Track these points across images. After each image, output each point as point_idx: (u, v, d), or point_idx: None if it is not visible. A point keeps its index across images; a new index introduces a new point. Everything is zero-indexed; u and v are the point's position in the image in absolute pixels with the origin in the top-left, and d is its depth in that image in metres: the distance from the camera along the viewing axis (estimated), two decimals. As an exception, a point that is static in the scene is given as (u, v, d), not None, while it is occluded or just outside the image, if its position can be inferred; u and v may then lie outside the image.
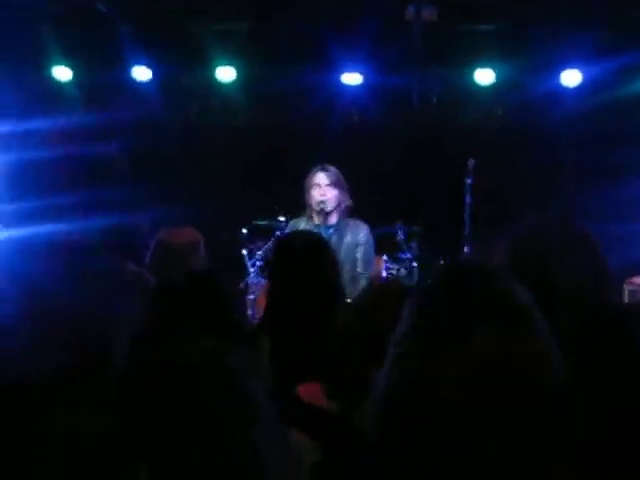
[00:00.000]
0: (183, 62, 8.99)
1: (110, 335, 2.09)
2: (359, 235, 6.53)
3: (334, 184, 6.59)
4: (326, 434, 2.11)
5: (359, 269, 6.41)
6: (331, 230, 6.45)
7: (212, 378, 1.09)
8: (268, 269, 3.86)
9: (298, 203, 6.96)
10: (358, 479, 1.69)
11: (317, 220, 6.55)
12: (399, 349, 1.69)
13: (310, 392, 2.65)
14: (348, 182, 6.73)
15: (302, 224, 6.67)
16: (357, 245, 6.47)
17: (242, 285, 7.31)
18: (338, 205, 6.61)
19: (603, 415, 1.59)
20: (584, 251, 2.33)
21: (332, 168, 6.71)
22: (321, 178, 6.62)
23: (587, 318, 1.83)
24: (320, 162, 6.86)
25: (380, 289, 2.87)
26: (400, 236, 7.79)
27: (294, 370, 2.71)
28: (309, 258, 3.62)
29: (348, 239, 6.47)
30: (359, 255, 6.47)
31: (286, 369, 2.76)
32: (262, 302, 5.70)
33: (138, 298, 2.15)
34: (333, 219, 6.62)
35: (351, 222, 6.63)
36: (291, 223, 6.88)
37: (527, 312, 1.67)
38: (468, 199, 7.57)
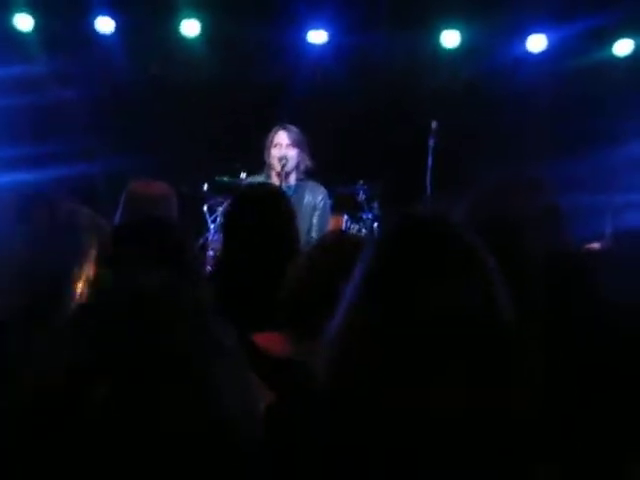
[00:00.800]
0: (147, 14, 8.88)
1: (60, 276, 2.07)
2: (317, 198, 6.49)
3: (295, 143, 6.55)
4: (281, 380, 2.11)
5: (313, 234, 6.37)
6: (290, 190, 6.40)
7: (171, 306, 1.07)
8: (225, 218, 3.83)
9: (260, 161, 6.93)
10: (309, 423, 1.69)
11: (275, 179, 6.49)
12: (353, 297, 1.69)
13: (267, 340, 2.65)
14: (311, 141, 6.69)
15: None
16: (314, 209, 6.43)
17: (202, 241, 7.28)
18: (298, 165, 6.57)
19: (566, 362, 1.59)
20: (544, 218, 2.32)
21: (293, 128, 6.66)
22: (282, 137, 6.57)
23: (548, 269, 1.83)
24: (283, 120, 6.82)
25: (334, 238, 2.87)
26: (362, 196, 7.79)
27: (249, 320, 2.70)
28: (267, 206, 3.61)
29: (306, 200, 6.44)
30: (315, 220, 6.43)
31: (241, 319, 2.75)
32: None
33: (90, 240, 2.13)
34: (292, 179, 6.58)
35: (310, 183, 6.59)
36: (248, 180, 6.85)
37: (480, 261, 1.67)
38: (430, 161, 7.59)
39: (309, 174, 6.66)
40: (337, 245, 2.70)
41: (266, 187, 4.68)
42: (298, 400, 1.78)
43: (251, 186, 4.99)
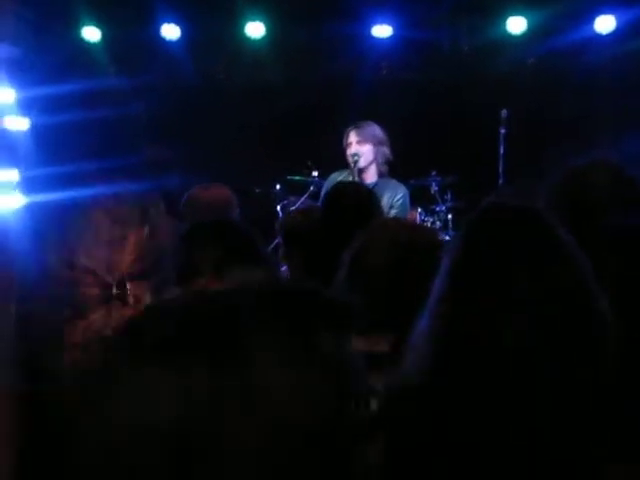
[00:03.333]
0: (212, 19, 8.95)
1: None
2: (396, 197, 6.45)
3: (366, 140, 6.54)
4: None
5: None
6: (370, 187, 6.38)
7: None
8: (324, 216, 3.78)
9: (330, 158, 6.93)
10: (408, 423, 1.68)
11: (355, 177, 6.48)
12: (442, 295, 1.68)
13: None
14: (382, 133, 6.66)
15: (342, 178, 6.60)
16: (391, 207, 6.40)
17: (276, 241, 7.31)
18: (374, 160, 6.55)
19: None
20: (630, 202, 2.28)
21: (366, 124, 6.65)
22: (352, 136, 6.59)
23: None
24: (352, 117, 6.83)
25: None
26: (434, 188, 7.75)
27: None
28: (360, 211, 3.59)
29: (385, 200, 6.40)
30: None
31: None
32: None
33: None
34: (371, 176, 6.56)
35: (392, 183, 6.55)
36: (333, 175, 6.80)
37: (572, 253, 1.65)
38: (502, 149, 7.52)
39: (391, 169, 6.62)
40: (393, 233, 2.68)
41: (358, 186, 4.68)
42: (395, 396, 1.77)
43: (344, 185, 4.99)
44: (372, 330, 2.58)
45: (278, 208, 7.77)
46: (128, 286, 1.94)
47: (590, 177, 2.37)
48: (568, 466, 1.51)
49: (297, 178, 7.81)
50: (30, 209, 2.12)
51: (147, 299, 1.95)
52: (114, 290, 1.93)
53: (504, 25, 8.85)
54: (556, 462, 1.52)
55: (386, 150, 6.58)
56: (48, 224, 2.04)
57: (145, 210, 2.00)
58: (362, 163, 6.48)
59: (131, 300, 1.93)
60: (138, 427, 0.91)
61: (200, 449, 0.91)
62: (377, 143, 6.55)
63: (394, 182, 6.56)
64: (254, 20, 8.97)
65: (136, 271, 1.93)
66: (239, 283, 1.08)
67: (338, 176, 6.65)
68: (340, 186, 4.75)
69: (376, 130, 6.59)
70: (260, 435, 0.91)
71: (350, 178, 6.50)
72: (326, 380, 0.99)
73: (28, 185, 8.41)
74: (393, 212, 6.37)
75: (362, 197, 3.82)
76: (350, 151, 6.51)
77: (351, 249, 2.65)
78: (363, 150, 6.50)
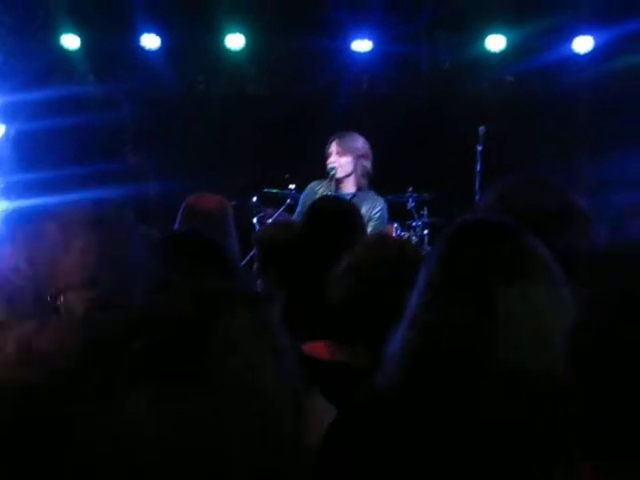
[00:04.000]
0: (192, 29, 8.95)
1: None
2: (374, 210, 6.42)
3: (345, 151, 6.52)
4: (339, 389, 2.11)
5: None
6: (348, 198, 6.36)
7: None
8: (300, 229, 3.76)
9: (308, 172, 6.92)
10: (378, 431, 1.68)
11: (332, 187, 6.48)
12: (420, 302, 1.68)
13: (317, 349, 2.65)
14: (365, 145, 6.65)
15: (322, 189, 6.58)
16: (369, 219, 6.38)
17: (252, 253, 7.29)
18: (352, 172, 6.54)
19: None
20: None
21: (349, 135, 6.62)
22: (333, 145, 6.57)
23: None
24: (331, 130, 6.82)
25: (377, 242, 2.85)
26: (411, 203, 7.77)
27: (304, 329, 2.71)
28: (342, 225, 3.59)
29: (362, 211, 6.37)
30: (368, 230, 6.37)
31: (298, 329, 2.76)
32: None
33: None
34: (349, 187, 6.54)
35: (370, 195, 6.53)
36: (311, 185, 6.78)
37: (548, 266, 1.66)
38: (479, 166, 7.55)
39: (370, 181, 6.62)
40: (381, 249, 2.69)
41: (340, 200, 4.68)
42: (365, 407, 1.77)
43: (327, 199, 4.99)
44: (357, 341, 2.59)
45: (254, 220, 7.76)
46: (62, 296, 1.89)
47: (516, 196, 2.36)
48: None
49: (274, 190, 7.80)
50: (7, 215, 2.08)
51: (80, 310, 1.89)
52: (49, 299, 1.88)
53: (483, 43, 8.90)
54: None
55: (366, 163, 6.56)
56: (6, 230, 2.01)
57: (100, 217, 1.96)
58: (339, 174, 6.48)
59: (62, 311, 1.87)
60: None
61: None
62: (358, 156, 6.53)
63: (372, 194, 6.55)
64: (234, 32, 8.97)
65: (77, 280, 1.88)
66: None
67: (317, 185, 6.64)
68: (322, 199, 4.76)
69: (359, 142, 6.57)
70: None
71: (324, 188, 6.50)
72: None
73: (6, 191, 8.39)
74: (371, 224, 6.36)
75: (344, 211, 3.81)
76: (329, 161, 6.51)
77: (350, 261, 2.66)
78: (342, 161, 6.49)
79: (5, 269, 1.87)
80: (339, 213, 3.74)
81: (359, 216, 3.92)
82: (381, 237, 3.33)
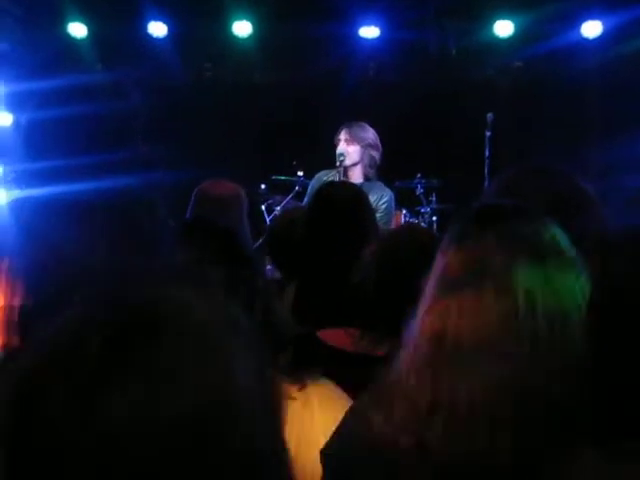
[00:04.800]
0: (199, 17, 8.93)
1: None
2: (381, 200, 6.39)
3: (354, 140, 6.50)
4: (355, 375, 2.11)
5: None
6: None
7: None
8: (305, 218, 3.74)
9: (316, 158, 6.91)
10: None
11: (341, 176, 6.46)
12: (434, 296, 1.67)
13: (334, 337, 2.65)
14: (374, 136, 6.64)
15: (330, 178, 6.56)
16: (376, 210, 6.33)
17: (261, 241, 7.30)
18: (359, 161, 6.52)
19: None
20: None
21: (359, 125, 6.59)
22: (342, 134, 6.55)
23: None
24: (339, 118, 6.81)
25: (404, 233, 2.86)
26: (419, 190, 7.77)
27: (320, 317, 2.71)
28: (351, 210, 3.57)
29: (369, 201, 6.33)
30: None
31: (314, 316, 2.76)
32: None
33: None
34: (356, 177, 6.52)
35: (377, 185, 6.50)
36: (319, 174, 6.76)
37: (568, 249, 1.66)
38: (487, 152, 7.54)
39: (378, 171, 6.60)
40: (407, 239, 2.69)
41: (347, 185, 4.66)
42: (378, 398, 1.76)
43: (333, 185, 4.96)
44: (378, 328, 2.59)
45: (263, 208, 7.77)
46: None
47: (522, 184, 2.34)
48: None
49: (282, 178, 7.80)
50: (15, 204, 2.06)
51: None
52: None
53: (491, 28, 8.88)
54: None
55: (374, 154, 6.53)
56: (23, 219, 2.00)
57: (126, 207, 1.95)
58: (347, 162, 6.46)
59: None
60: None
61: None
62: (365, 145, 6.50)
63: (379, 185, 6.52)
64: (241, 19, 8.97)
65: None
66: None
67: (324, 175, 6.62)
68: (328, 185, 4.74)
69: (368, 133, 6.55)
70: None
71: (337, 177, 6.48)
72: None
73: (15, 180, 8.40)
74: (378, 215, 6.33)
75: (351, 196, 3.79)
76: (338, 149, 6.50)
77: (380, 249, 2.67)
78: (349, 150, 6.47)
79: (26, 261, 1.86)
80: (346, 199, 3.72)
81: (366, 199, 3.89)
82: (408, 226, 3.32)
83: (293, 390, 2.08)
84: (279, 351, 2.05)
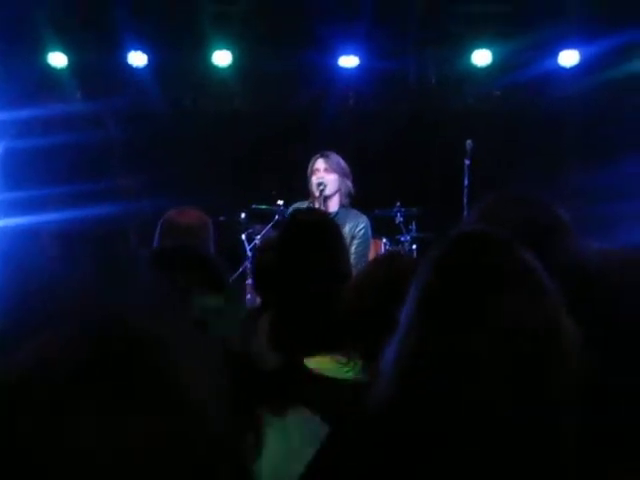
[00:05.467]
0: (179, 47, 8.96)
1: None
2: (357, 227, 6.42)
3: (332, 169, 6.54)
4: (337, 405, 2.10)
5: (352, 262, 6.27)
6: (331, 217, 6.33)
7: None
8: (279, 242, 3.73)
9: (296, 187, 6.93)
10: (368, 452, 1.68)
11: (318, 206, 6.47)
12: (410, 322, 1.68)
13: (318, 364, 2.64)
14: (346, 165, 6.69)
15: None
16: (353, 237, 6.37)
17: (241, 269, 7.29)
18: (338, 190, 6.55)
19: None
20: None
21: (332, 154, 6.65)
22: (319, 163, 6.58)
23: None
24: (319, 147, 6.83)
25: (386, 262, 2.86)
26: (399, 218, 7.78)
27: (302, 345, 2.70)
28: (319, 235, 3.56)
29: (346, 229, 6.35)
30: (352, 249, 6.32)
31: (294, 344, 2.76)
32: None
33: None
34: (333, 206, 6.54)
35: (353, 212, 6.54)
36: (295, 206, 6.79)
37: (540, 279, 1.66)
38: (466, 181, 7.56)
39: (352, 201, 6.63)
40: (388, 267, 2.69)
41: (319, 212, 4.65)
42: (359, 422, 1.76)
43: (302, 211, 4.95)
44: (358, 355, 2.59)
45: (243, 237, 7.76)
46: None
47: (499, 213, 2.35)
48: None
49: (263, 207, 7.80)
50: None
51: None
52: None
53: (469, 58, 8.95)
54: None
55: (349, 183, 6.59)
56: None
57: (104, 236, 1.96)
58: (328, 191, 6.48)
59: None
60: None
61: None
62: (343, 174, 6.56)
63: (355, 212, 6.56)
64: (221, 48, 8.99)
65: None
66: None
67: (301, 205, 6.64)
68: (297, 212, 4.73)
69: (342, 162, 6.61)
70: None
71: (317, 206, 6.49)
72: None
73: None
74: (355, 242, 6.35)
75: (320, 221, 3.79)
76: (316, 179, 6.50)
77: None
78: (330, 179, 6.50)
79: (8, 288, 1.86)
80: (316, 224, 3.71)
81: (333, 223, 3.88)
82: (390, 255, 3.32)
83: (272, 419, 2.07)
84: (257, 381, 2.05)
